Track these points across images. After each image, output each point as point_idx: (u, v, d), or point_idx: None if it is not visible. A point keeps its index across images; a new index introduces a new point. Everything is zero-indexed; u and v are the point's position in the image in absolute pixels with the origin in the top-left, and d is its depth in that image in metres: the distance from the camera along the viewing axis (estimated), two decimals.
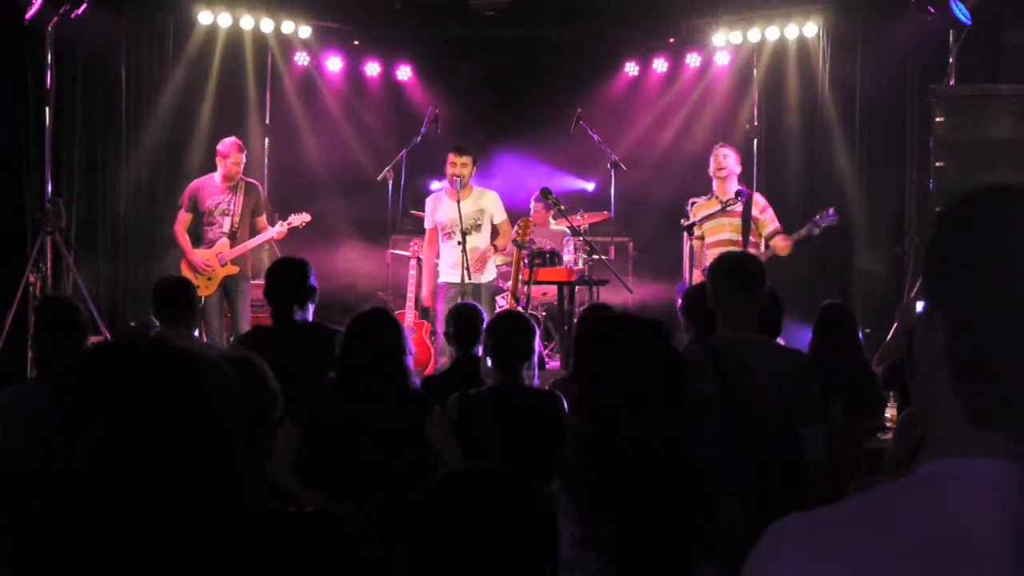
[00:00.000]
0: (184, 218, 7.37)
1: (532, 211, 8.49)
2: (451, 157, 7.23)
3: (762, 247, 7.04)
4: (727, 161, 7.20)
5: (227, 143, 7.36)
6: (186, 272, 7.23)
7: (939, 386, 1.02)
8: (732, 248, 6.80)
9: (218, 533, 1.26)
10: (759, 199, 7.20)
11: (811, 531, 1.03)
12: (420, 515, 1.57)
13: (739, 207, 6.98)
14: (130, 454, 1.18)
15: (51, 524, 1.16)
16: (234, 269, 7.25)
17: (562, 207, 7.40)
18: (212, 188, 7.34)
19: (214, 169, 7.43)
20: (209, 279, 7.25)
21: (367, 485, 3.22)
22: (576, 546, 2.15)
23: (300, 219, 7.47)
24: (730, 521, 2.41)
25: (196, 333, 6.16)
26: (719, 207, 7.02)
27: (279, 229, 7.40)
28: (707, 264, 7.03)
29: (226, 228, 7.27)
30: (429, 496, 1.59)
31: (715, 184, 7.24)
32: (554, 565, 1.60)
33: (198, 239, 7.36)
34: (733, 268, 3.52)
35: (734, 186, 7.17)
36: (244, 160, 7.41)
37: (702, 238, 7.19)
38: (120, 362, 1.24)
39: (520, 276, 6.81)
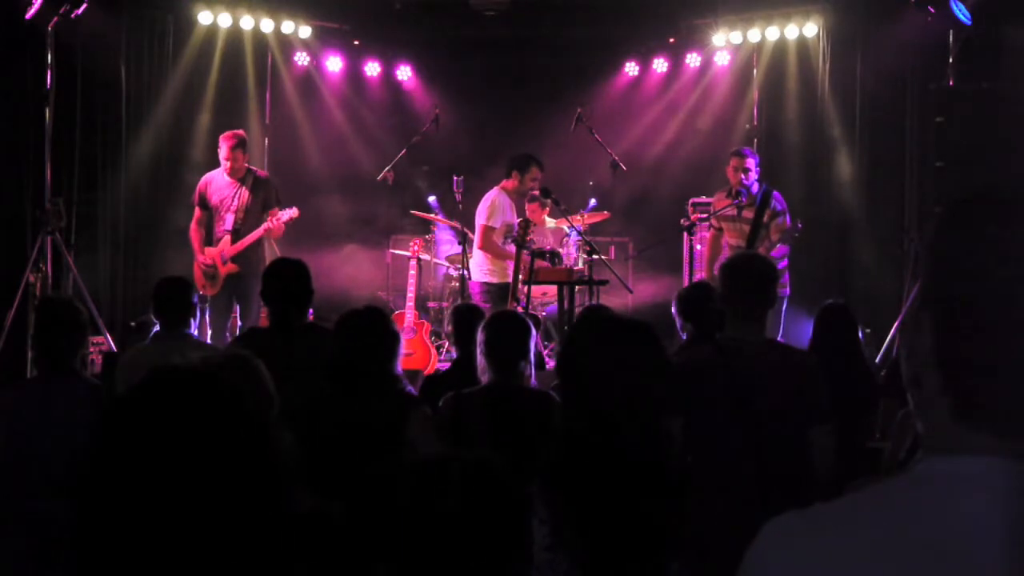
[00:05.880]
0: (197, 215, 7.17)
1: (528, 211, 8.49)
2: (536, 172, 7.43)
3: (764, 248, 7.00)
4: (747, 167, 7.07)
5: (222, 136, 7.16)
6: (197, 272, 7.10)
7: (929, 385, 1.03)
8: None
9: (268, 538, 1.26)
10: (777, 200, 7.15)
11: (805, 529, 1.04)
12: (398, 499, 1.64)
13: (754, 210, 6.95)
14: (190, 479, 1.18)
15: (100, 529, 1.16)
16: (233, 267, 6.99)
17: (562, 206, 7.40)
18: (219, 182, 7.12)
19: (215, 168, 7.34)
20: (213, 278, 7.07)
21: (353, 484, 3.22)
22: (546, 548, 2.16)
23: (288, 214, 6.99)
24: (704, 523, 2.42)
25: (196, 333, 6.14)
26: (733, 208, 6.95)
27: (267, 225, 6.94)
28: (724, 258, 7.05)
29: (228, 226, 7.04)
30: (405, 481, 1.66)
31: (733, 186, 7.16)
32: (525, 561, 1.63)
33: (212, 236, 7.17)
34: (745, 269, 3.53)
35: (755, 188, 7.09)
36: (237, 151, 7.04)
37: (720, 230, 7.14)
38: (172, 395, 1.23)
39: (520, 276, 6.80)
